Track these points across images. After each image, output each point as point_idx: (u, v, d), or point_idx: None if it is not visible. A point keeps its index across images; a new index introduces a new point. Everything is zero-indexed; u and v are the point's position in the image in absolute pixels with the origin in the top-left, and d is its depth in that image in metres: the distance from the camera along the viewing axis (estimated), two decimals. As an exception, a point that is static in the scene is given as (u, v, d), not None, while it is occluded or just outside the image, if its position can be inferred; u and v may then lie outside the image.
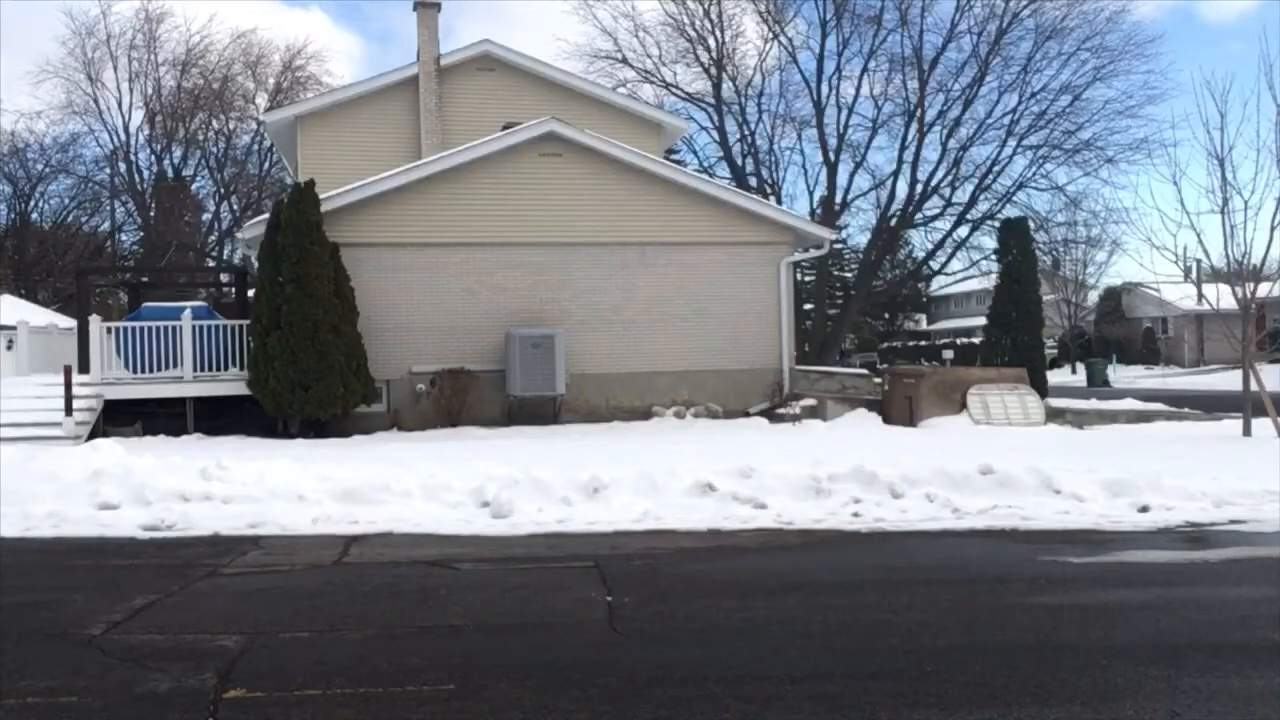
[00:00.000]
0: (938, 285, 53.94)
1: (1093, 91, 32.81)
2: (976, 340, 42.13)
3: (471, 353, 16.94)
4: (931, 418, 16.67)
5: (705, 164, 37.21)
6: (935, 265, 39.27)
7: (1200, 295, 26.65)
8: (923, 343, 61.19)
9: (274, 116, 22.44)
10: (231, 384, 16.19)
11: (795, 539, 7.50)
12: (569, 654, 4.59)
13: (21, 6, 57.76)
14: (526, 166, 17.43)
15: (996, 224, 30.26)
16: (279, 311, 15.23)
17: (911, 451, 11.68)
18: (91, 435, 14.77)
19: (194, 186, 46.96)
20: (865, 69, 34.71)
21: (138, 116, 43.58)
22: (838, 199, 35.92)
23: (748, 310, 18.21)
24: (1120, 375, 40.92)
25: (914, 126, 34.10)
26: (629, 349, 17.71)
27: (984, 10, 33.34)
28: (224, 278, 29.39)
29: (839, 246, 42.68)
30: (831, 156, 35.27)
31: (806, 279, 41.73)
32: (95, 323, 16.52)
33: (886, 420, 17.22)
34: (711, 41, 36.06)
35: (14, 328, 22.03)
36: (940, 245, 36.44)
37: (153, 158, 45.02)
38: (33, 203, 45.09)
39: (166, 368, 16.37)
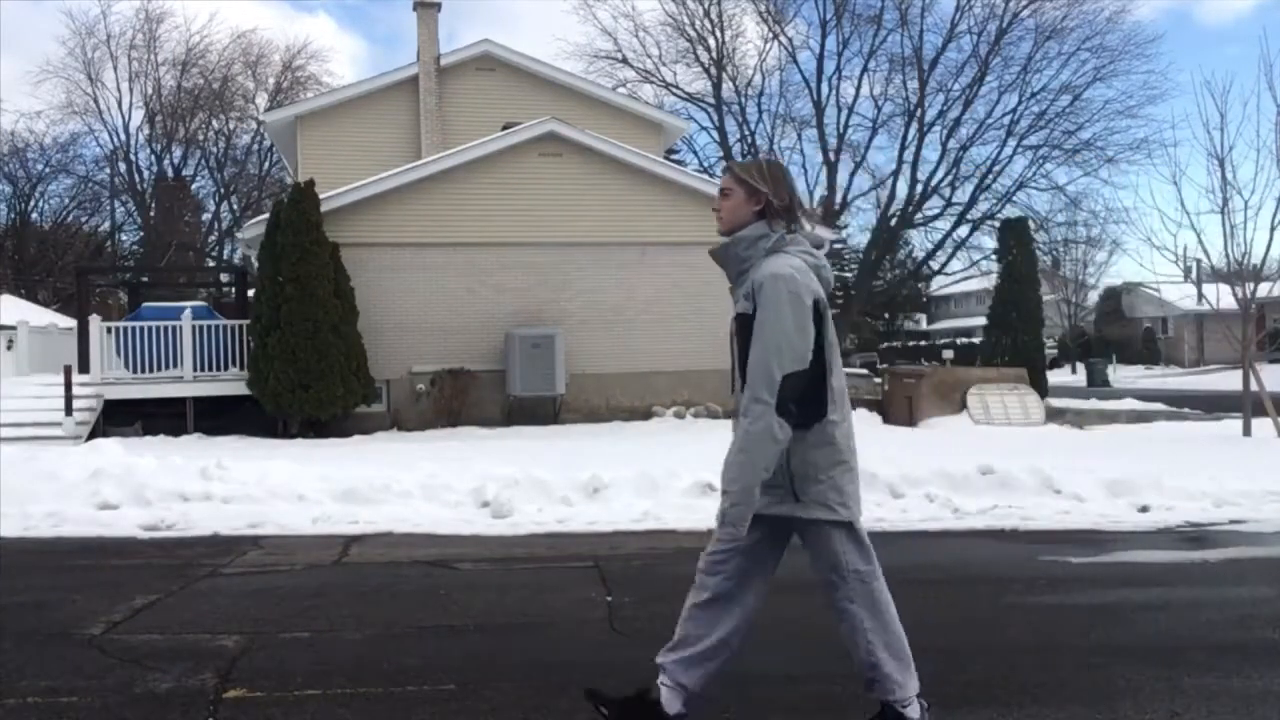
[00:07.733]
0: (938, 285, 53.97)
1: (1093, 91, 32.94)
2: (976, 340, 42.09)
3: (471, 353, 16.95)
4: (931, 417, 16.67)
5: (705, 164, 37.27)
6: (935, 265, 39.32)
7: (1200, 295, 26.61)
8: (923, 343, 61.15)
9: (274, 116, 22.45)
10: (231, 384, 16.19)
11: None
12: (569, 654, 4.58)
13: (21, 6, 57.78)
14: (526, 166, 17.43)
15: (996, 224, 30.30)
16: (279, 311, 15.24)
17: (911, 451, 11.67)
18: (91, 435, 14.78)
19: (194, 186, 47.06)
20: (865, 69, 34.81)
21: (138, 116, 43.71)
22: (838, 199, 35.96)
23: (748, 310, 18.16)
24: (1120, 375, 40.90)
25: (914, 126, 34.15)
26: (629, 349, 17.71)
27: (984, 10, 33.43)
28: (224, 278, 29.46)
29: (839, 246, 42.70)
30: (831, 156, 35.32)
31: (806, 279, 41.62)
32: (95, 323, 16.53)
33: (886, 420, 17.22)
34: (711, 41, 36.11)
35: (14, 328, 22.05)
36: (940, 245, 36.50)
37: (153, 158, 45.09)
38: (33, 203, 45.19)
39: (166, 368, 16.37)
